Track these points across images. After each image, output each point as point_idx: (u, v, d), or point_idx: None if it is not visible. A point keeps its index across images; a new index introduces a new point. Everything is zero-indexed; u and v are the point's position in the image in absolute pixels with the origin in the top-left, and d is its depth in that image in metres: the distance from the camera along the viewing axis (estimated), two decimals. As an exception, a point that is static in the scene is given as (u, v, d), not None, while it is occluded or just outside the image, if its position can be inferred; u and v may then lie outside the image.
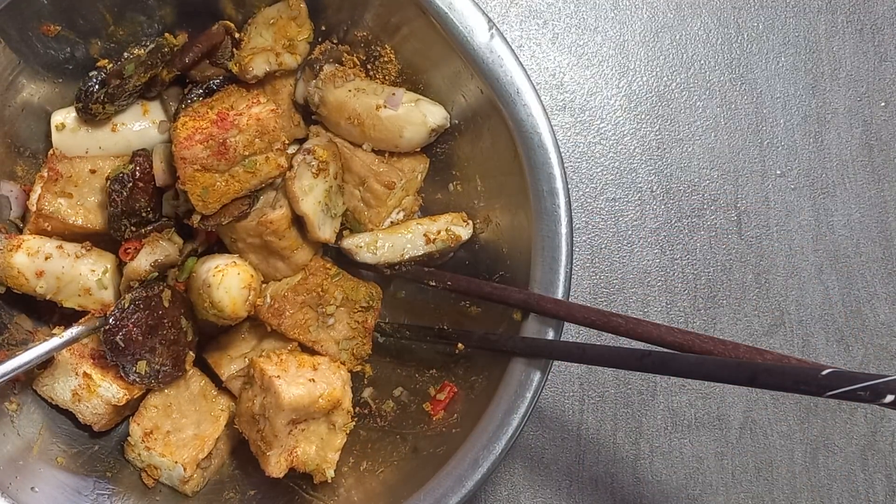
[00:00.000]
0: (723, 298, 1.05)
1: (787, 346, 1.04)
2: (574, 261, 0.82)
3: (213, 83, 0.88)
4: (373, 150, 0.89)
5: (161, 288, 0.84)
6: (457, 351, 0.85)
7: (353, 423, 0.87)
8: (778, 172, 1.06)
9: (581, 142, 1.05)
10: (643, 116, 1.06)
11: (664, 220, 1.05)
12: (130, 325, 0.82)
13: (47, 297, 0.86)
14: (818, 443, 1.02)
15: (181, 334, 0.86)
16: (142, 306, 0.83)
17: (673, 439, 1.02)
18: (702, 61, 1.08)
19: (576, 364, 1.00)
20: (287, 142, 0.85)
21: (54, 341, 0.85)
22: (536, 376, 0.80)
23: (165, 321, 0.84)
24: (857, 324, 1.04)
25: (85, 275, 0.86)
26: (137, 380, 0.84)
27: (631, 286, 1.04)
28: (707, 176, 1.06)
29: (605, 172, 1.05)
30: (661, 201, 1.06)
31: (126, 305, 0.82)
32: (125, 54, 0.86)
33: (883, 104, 1.07)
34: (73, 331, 0.86)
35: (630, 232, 1.05)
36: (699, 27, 1.09)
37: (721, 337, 0.97)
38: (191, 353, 0.87)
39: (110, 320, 0.82)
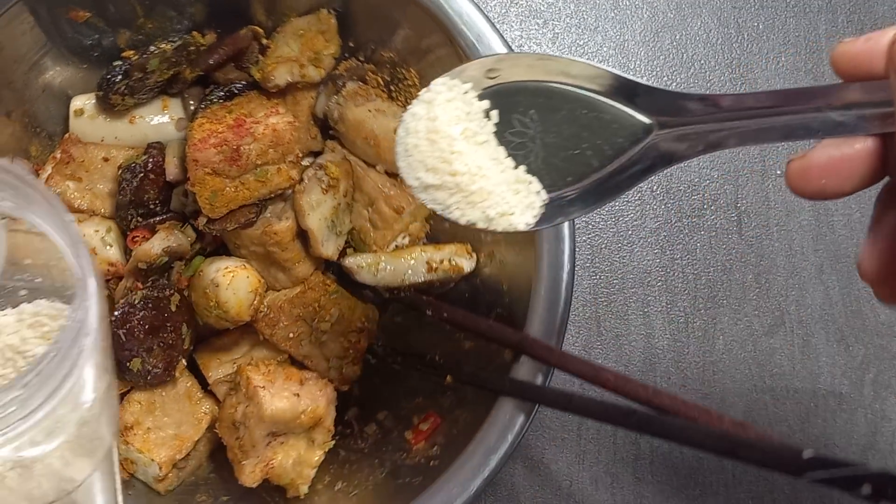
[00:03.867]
0: (723, 298, 1.07)
1: (787, 346, 1.06)
2: (574, 229, 0.84)
3: (235, 87, 0.91)
4: (386, 172, 0.92)
5: (171, 292, 0.88)
6: (446, 383, 0.87)
7: (333, 441, 0.90)
8: (778, 172, 1.09)
9: (581, 141, 1.08)
10: (643, 116, 1.08)
11: (664, 220, 1.08)
12: (135, 322, 0.86)
13: (55, 267, 0.90)
14: (818, 443, 1.05)
15: (179, 340, 0.89)
16: (150, 306, 0.86)
17: None
18: (702, 61, 1.11)
19: None
20: (301, 154, 0.88)
21: None
22: (521, 419, 0.82)
23: (168, 325, 0.87)
24: (858, 324, 1.06)
25: (89, 235, 0.90)
26: (127, 376, 0.87)
27: (631, 286, 1.07)
28: (707, 176, 1.09)
29: None
30: (661, 201, 1.08)
31: (135, 301, 0.86)
32: (151, 48, 0.89)
33: (883, 104, 1.09)
34: None
35: (630, 232, 1.08)
36: (699, 27, 1.11)
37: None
38: (183, 360, 0.90)
39: (117, 312, 0.86)
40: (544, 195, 0.64)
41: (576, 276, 0.85)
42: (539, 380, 0.83)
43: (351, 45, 0.93)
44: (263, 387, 0.86)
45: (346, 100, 0.91)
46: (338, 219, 0.90)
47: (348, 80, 0.92)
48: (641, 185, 1.05)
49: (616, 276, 1.07)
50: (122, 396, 0.91)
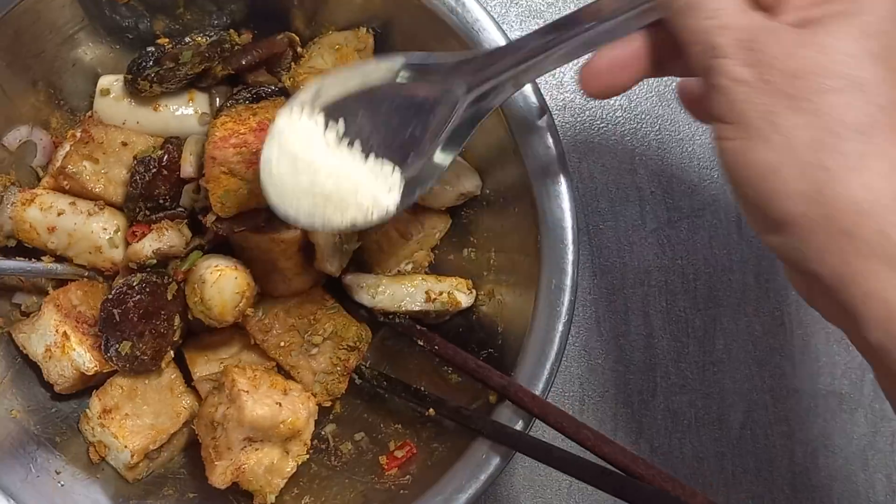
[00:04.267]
0: (723, 298, 1.07)
1: (787, 346, 1.07)
2: (577, 283, 0.85)
3: (263, 90, 0.91)
4: (400, 197, 0.92)
5: (170, 280, 0.88)
6: (427, 414, 0.88)
7: (307, 455, 0.90)
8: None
9: (581, 142, 1.08)
10: (643, 116, 1.09)
11: (664, 220, 1.08)
12: (131, 304, 0.86)
13: (58, 253, 0.91)
14: (818, 443, 1.05)
15: (170, 330, 0.89)
16: (147, 290, 0.87)
17: (673, 439, 1.05)
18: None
19: (576, 364, 1.06)
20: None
21: (37, 265, 0.91)
22: (495, 461, 0.83)
23: (162, 312, 0.88)
24: None
25: (96, 233, 0.90)
26: (115, 358, 0.87)
27: (631, 286, 1.08)
28: (707, 176, 1.09)
29: (605, 173, 1.08)
30: (661, 201, 1.08)
31: (134, 283, 0.86)
32: (186, 39, 0.90)
33: (883, 104, 1.09)
34: (59, 266, 0.92)
35: (630, 232, 1.08)
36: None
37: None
38: (171, 352, 0.91)
39: (114, 291, 0.86)
40: (398, 172, 0.74)
41: (578, 289, 0.86)
42: (520, 426, 0.83)
43: (384, 65, 0.94)
44: (247, 391, 0.87)
45: (370, 120, 0.92)
46: (346, 236, 0.90)
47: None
48: (641, 184, 1.08)
49: (616, 275, 1.08)
50: (105, 379, 0.92)
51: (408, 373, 0.95)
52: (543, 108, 0.85)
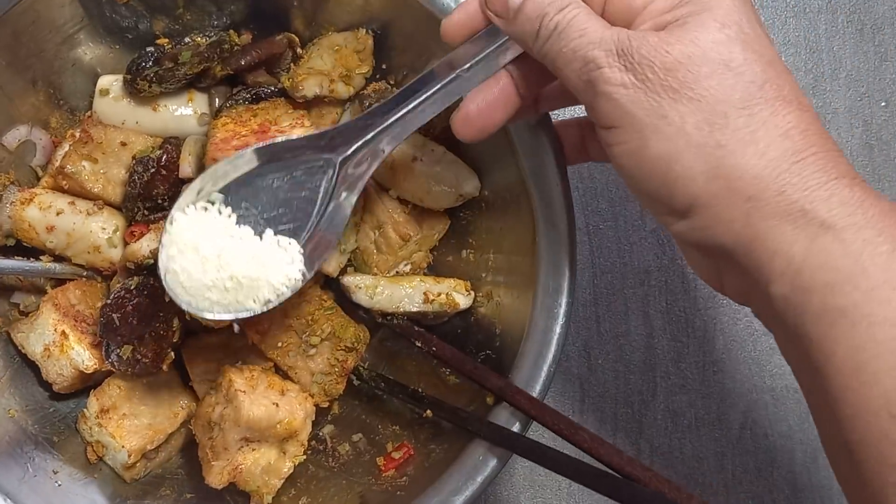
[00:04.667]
0: (723, 298, 1.07)
1: None
2: (574, 284, 0.85)
3: (263, 91, 0.92)
4: (398, 198, 0.93)
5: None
6: (424, 416, 0.88)
7: (305, 456, 0.91)
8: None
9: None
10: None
11: None
12: (130, 308, 0.87)
13: (57, 253, 0.91)
14: (818, 443, 1.03)
15: (170, 332, 0.89)
16: (145, 293, 0.87)
17: (673, 439, 1.06)
18: (702, 63, 1.11)
19: (576, 364, 1.07)
20: (317, 169, 0.89)
21: (36, 264, 0.92)
22: (492, 463, 0.83)
23: (161, 314, 0.88)
24: None
25: (95, 232, 0.91)
26: (116, 362, 0.88)
27: (631, 286, 1.08)
28: None
29: (605, 173, 1.08)
30: None
31: (132, 287, 0.87)
32: (186, 39, 0.90)
33: (883, 104, 1.10)
34: (58, 266, 0.92)
35: (630, 232, 1.08)
36: (699, 28, 1.12)
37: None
38: (172, 354, 0.91)
39: (112, 297, 0.86)
40: (296, 243, 0.79)
41: (576, 294, 0.86)
42: (517, 427, 0.84)
43: (383, 67, 0.94)
44: (244, 391, 0.87)
45: (369, 121, 0.92)
46: (344, 237, 0.91)
47: (375, 101, 0.93)
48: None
49: (616, 276, 1.08)
50: (104, 378, 0.92)
51: (406, 374, 0.95)
52: (546, 116, 0.85)
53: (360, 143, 0.78)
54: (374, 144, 0.78)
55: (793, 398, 1.07)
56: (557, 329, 0.85)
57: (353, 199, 0.80)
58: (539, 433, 0.85)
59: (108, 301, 0.87)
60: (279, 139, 0.79)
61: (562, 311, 0.85)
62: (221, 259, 0.77)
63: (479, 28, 0.75)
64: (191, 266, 0.78)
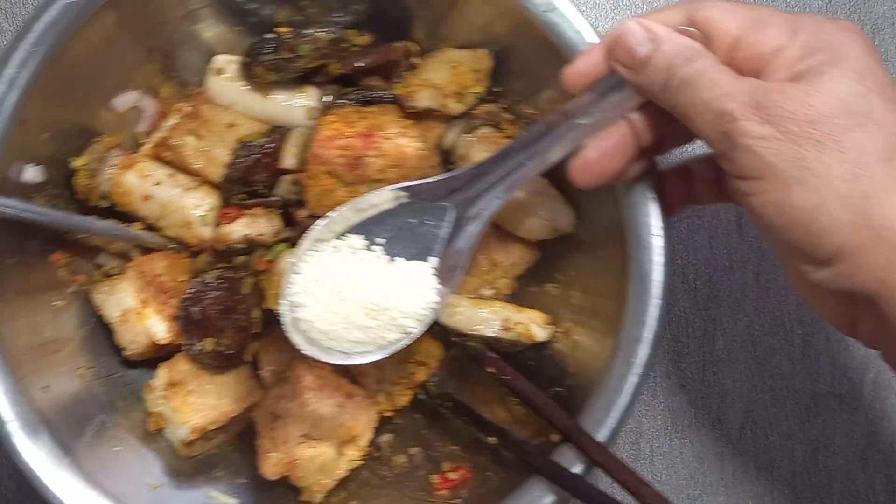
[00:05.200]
0: (723, 298, 1.07)
1: (787, 346, 1.07)
2: (658, 338, 0.85)
3: (373, 95, 0.93)
4: (492, 223, 0.93)
5: (245, 274, 0.90)
6: (488, 442, 0.89)
7: (361, 461, 0.91)
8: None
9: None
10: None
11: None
12: (209, 301, 0.88)
13: (149, 222, 0.93)
14: (818, 443, 1.05)
15: (251, 323, 0.90)
16: (224, 285, 0.88)
17: (673, 439, 1.06)
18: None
19: None
20: (420, 181, 0.89)
21: (128, 229, 0.93)
22: (549, 502, 0.83)
23: (241, 306, 0.89)
24: None
25: (190, 208, 0.92)
26: (199, 355, 0.89)
27: None
28: None
29: None
30: None
31: (209, 280, 0.87)
32: (306, 31, 0.91)
33: (884, 104, 1.09)
34: (148, 234, 0.94)
35: None
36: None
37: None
38: (254, 344, 0.92)
39: (191, 290, 0.87)
40: (428, 268, 0.79)
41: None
42: (579, 470, 0.84)
43: (496, 89, 0.94)
44: (312, 388, 0.88)
45: (476, 141, 0.92)
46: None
47: (484, 122, 0.93)
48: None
49: None
50: (174, 352, 0.93)
51: (471, 397, 0.96)
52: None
53: (475, 191, 0.79)
54: (490, 193, 0.78)
55: (793, 398, 1.06)
56: (633, 379, 0.84)
57: (469, 244, 0.80)
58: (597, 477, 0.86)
59: (186, 295, 0.88)
60: (403, 184, 0.80)
61: (641, 361, 0.84)
62: (359, 293, 0.76)
63: (601, 75, 0.75)
64: (327, 309, 0.77)
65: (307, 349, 0.78)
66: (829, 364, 1.06)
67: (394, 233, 0.79)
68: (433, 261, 0.79)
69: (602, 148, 0.74)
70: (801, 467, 1.05)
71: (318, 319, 0.77)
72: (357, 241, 0.79)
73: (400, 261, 0.78)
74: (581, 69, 0.76)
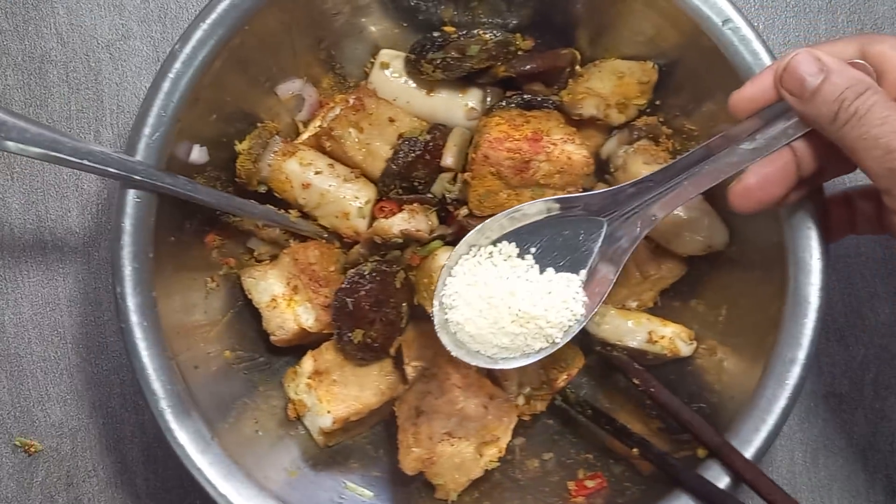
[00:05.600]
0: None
1: None
2: (812, 360, 0.85)
3: (536, 100, 0.93)
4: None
5: (398, 269, 0.91)
6: (631, 453, 0.89)
7: (498, 463, 0.92)
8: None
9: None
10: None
11: None
12: (363, 293, 0.89)
13: (305, 210, 0.94)
14: (818, 443, 1.06)
15: (399, 318, 0.92)
16: (378, 278, 0.89)
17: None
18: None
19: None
20: (580, 190, 0.90)
21: (285, 216, 0.94)
22: (693, 517, 0.84)
23: (391, 300, 0.91)
24: (857, 324, 1.07)
25: (348, 199, 0.93)
26: (348, 346, 0.90)
27: None
28: None
29: None
30: None
31: (365, 273, 0.88)
32: (473, 32, 0.92)
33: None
34: (304, 223, 0.95)
35: None
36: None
37: None
38: (400, 338, 0.93)
39: (346, 281, 0.89)
40: (577, 280, 0.79)
41: None
42: (723, 484, 0.84)
43: (657, 103, 0.95)
44: (460, 387, 0.89)
45: (634, 153, 0.93)
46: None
47: (643, 135, 0.94)
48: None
49: None
50: (319, 342, 0.94)
51: (608, 406, 0.96)
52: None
53: (632, 208, 0.79)
54: (646, 210, 0.79)
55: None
56: (783, 403, 0.84)
57: (620, 260, 0.81)
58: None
59: (343, 286, 0.89)
60: (560, 196, 0.82)
61: (793, 380, 0.84)
62: (509, 300, 0.77)
63: (768, 102, 0.75)
64: (477, 314, 0.78)
65: (455, 351, 0.80)
66: (829, 364, 1.07)
67: (546, 243, 0.79)
68: (583, 274, 0.80)
69: (763, 174, 0.75)
70: (801, 467, 1.06)
71: (468, 323, 0.79)
72: (510, 248, 0.79)
73: (550, 271, 0.79)
74: (749, 95, 0.76)
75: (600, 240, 0.80)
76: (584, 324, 0.80)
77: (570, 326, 0.79)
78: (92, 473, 1.05)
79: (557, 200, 0.80)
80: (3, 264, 1.05)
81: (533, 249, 0.79)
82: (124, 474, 1.05)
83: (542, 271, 0.79)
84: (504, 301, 0.77)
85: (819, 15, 1.09)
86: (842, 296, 1.06)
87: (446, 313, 0.79)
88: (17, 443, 1.05)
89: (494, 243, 0.80)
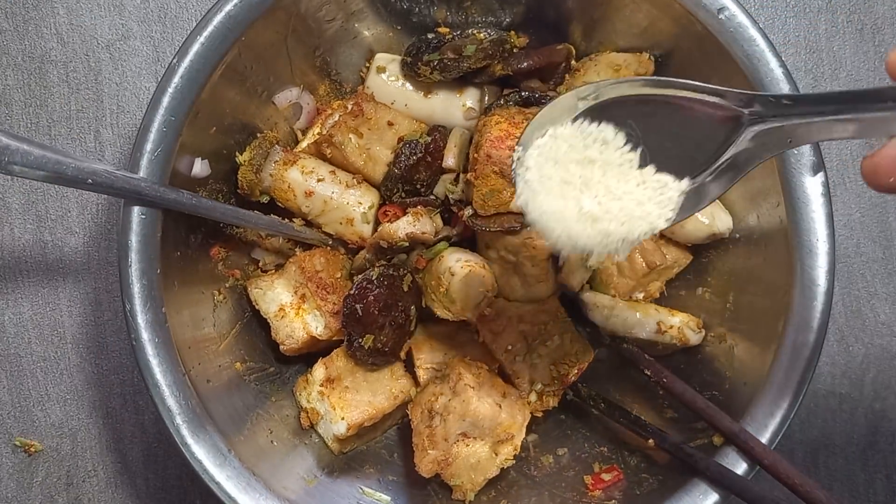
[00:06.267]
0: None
1: None
2: (822, 343, 0.86)
3: (534, 96, 0.93)
4: (649, 226, 0.94)
5: (405, 272, 0.91)
6: (649, 443, 0.89)
7: (514, 461, 0.92)
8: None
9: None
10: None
11: None
12: (372, 298, 0.89)
13: (309, 218, 0.93)
14: (818, 443, 1.07)
15: (408, 321, 0.92)
16: (385, 283, 0.89)
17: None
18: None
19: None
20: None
21: (289, 225, 0.94)
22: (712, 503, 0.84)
23: (399, 304, 0.91)
24: (857, 324, 1.08)
25: (351, 205, 0.93)
26: (358, 352, 0.91)
27: None
28: None
29: None
30: None
31: (373, 277, 0.89)
32: (468, 31, 0.92)
33: (884, 104, 1.09)
34: (308, 231, 0.95)
35: None
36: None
37: None
38: (409, 341, 0.93)
39: (354, 288, 0.89)
40: (677, 185, 0.68)
41: None
42: (740, 470, 0.85)
43: (655, 93, 0.95)
44: (473, 387, 0.89)
45: (634, 145, 0.93)
46: (591, 254, 0.92)
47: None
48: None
49: None
50: (329, 349, 0.94)
51: (616, 397, 0.97)
52: (819, 165, 0.86)
53: (779, 121, 0.66)
54: (790, 130, 0.66)
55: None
56: (797, 385, 0.85)
57: (741, 174, 0.69)
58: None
59: (352, 292, 0.89)
60: (690, 82, 0.68)
61: (805, 366, 0.86)
62: (597, 177, 0.68)
63: None
64: (558, 183, 0.68)
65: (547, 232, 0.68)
66: (829, 364, 1.08)
67: (656, 130, 0.68)
68: (685, 181, 0.68)
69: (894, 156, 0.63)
70: (801, 467, 1.06)
71: (548, 199, 0.68)
72: (610, 131, 0.68)
73: (649, 169, 0.68)
74: None
75: (730, 141, 0.68)
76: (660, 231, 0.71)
77: (643, 231, 0.68)
78: (92, 473, 1.05)
79: (698, 86, 0.68)
80: (3, 264, 1.05)
81: (638, 132, 0.68)
82: (124, 474, 1.05)
83: (642, 163, 0.68)
84: (591, 176, 0.68)
85: (819, 15, 1.10)
86: (842, 296, 1.07)
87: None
88: (17, 443, 1.05)
89: (597, 116, 0.69)
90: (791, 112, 0.65)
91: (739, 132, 0.68)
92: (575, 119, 0.69)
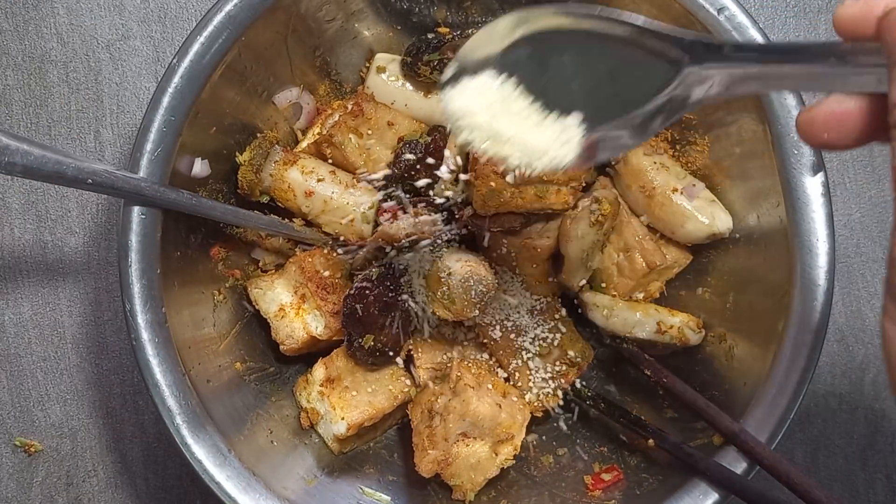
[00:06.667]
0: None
1: None
2: (822, 342, 0.86)
3: (533, 96, 0.93)
4: (647, 225, 0.94)
5: (404, 272, 0.91)
6: (649, 443, 0.90)
7: (514, 461, 0.92)
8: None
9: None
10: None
11: None
12: (371, 298, 0.89)
13: (309, 218, 0.94)
14: (818, 443, 1.07)
15: (408, 321, 0.92)
16: (386, 283, 0.89)
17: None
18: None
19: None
20: (583, 184, 0.91)
21: (290, 225, 0.94)
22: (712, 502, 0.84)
23: (399, 303, 0.90)
24: (857, 324, 1.08)
25: (351, 205, 0.93)
26: (358, 352, 0.91)
27: None
28: None
29: None
30: None
31: (373, 277, 0.89)
32: (468, 31, 0.93)
33: (884, 104, 1.09)
34: (308, 231, 0.95)
35: None
36: (702, 28, 1.12)
37: None
38: (409, 341, 0.94)
39: (354, 288, 0.89)
40: (581, 130, 0.65)
41: None
42: (740, 469, 0.85)
43: (655, 93, 0.96)
44: (473, 387, 0.89)
45: (636, 149, 0.94)
46: (592, 254, 0.92)
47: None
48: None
49: None
50: (329, 349, 0.94)
51: (616, 397, 0.97)
52: (819, 165, 0.86)
53: (718, 66, 0.63)
54: (729, 76, 0.63)
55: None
56: (797, 384, 0.86)
57: (674, 118, 0.66)
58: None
59: (352, 292, 0.90)
60: (630, 18, 0.66)
61: (805, 366, 0.86)
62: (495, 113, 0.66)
63: (869, 36, 0.63)
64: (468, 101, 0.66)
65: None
66: (829, 364, 1.08)
67: (590, 64, 0.66)
68: (595, 126, 0.65)
69: (834, 111, 0.63)
70: (801, 467, 1.06)
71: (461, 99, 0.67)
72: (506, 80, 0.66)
73: (552, 116, 0.65)
74: (852, 14, 0.64)
75: (663, 86, 0.64)
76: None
77: (539, 165, 0.66)
78: (92, 473, 1.05)
79: (643, 26, 0.66)
80: (3, 264, 1.05)
81: (562, 69, 0.66)
82: (124, 474, 1.05)
83: (546, 108, 0.66)
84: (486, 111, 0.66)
85: (819, 15, 1.10)
86: (842, 296, 1.08)
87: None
88: (17, 443, 1.05)
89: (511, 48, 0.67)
90: (732, 57, 0.63)
91: (679, 74, 0.64)
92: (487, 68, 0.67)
